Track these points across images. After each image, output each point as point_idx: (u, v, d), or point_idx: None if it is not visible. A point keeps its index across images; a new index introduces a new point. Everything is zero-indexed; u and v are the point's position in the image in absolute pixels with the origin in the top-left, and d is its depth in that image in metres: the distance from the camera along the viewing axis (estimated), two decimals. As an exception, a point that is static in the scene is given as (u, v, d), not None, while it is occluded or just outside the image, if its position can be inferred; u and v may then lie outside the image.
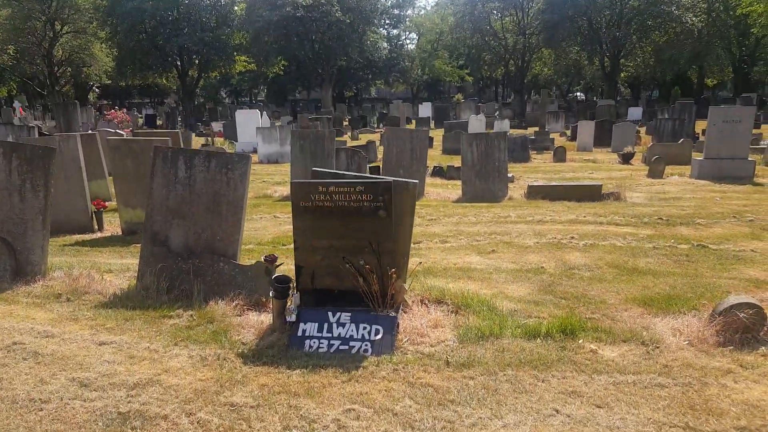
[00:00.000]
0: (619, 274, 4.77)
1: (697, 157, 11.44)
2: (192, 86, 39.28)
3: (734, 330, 3.37)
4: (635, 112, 31.15)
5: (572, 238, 6.08)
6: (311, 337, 3.43)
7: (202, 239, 4.53)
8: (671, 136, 16.22)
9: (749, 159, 10.72)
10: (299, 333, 3.46)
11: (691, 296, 4.19)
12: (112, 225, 7.52)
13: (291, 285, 3.66)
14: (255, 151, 16.78)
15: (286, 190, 10.09)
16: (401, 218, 3.86)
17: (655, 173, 11.01)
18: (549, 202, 8.35)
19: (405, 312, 3.81)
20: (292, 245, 6.38)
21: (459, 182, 10.75)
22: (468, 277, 4.82)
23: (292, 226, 3.73)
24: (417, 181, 3.89)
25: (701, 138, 17.48)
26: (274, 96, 52.19)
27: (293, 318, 3.57)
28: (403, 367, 3.09)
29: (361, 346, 3.35)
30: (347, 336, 3.42)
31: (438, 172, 11.64)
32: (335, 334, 3.44)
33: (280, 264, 3.69)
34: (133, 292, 4.37)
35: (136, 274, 4.76)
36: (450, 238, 6.30)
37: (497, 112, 38.24)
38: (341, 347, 3.36)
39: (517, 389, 2.83)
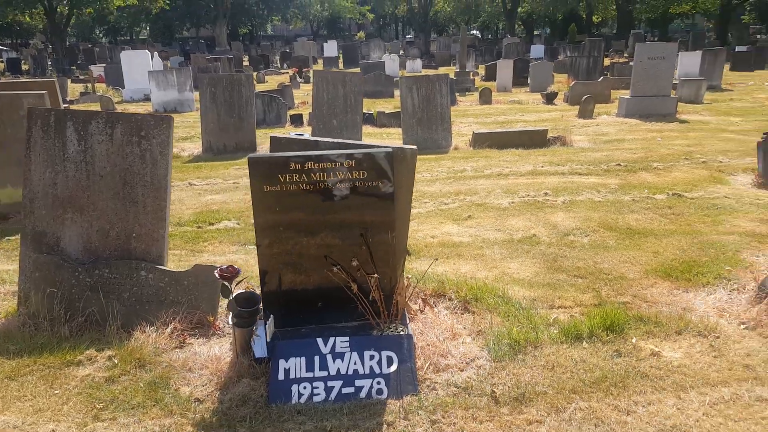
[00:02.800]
0: (620, 238, 4.23)
1: (622, 94, 11.42)
2: (62, 24, 33.59)
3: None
4: (537, 50, 31.37)
5: (546, 194, 5.49)
6: (299, 380, 2.46)
7: (111, 238, 3.27)
8: (585, 74, 16.30)
9: (671, 96, 10.86)
10: (280, 376, 2.48)
11: (707, 260, 3.75)
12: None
13: (260, 307, 2.63)
14: (147, 98, 14.51)
15: (195, 147, 8.55)
16: (398, 198, 2.92)
17: (585, 113, 10.82)
18: (497, 151, 7.74)
19: (410, 320, 2.95)
20: (221, 224, 5.23)
21: (393, 130, 9.83)
22: (457, 255, 4.04)
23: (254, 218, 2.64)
24: (415, 147, 2.94)
25: (608, 75, 17.85)
26: (159, 34, 46.65)
27: (264, 352, 2.56)
28: (444, 416, 2.25)
29: (372, 386, 2.45)
30: (350, 372, 2.50)
31: (368, 119, 10.55)
32: (332, 371, 2.50)
33: (243, 279, 2.62)
34: (14, 325, 3.07)
35: (13, 291, 3.42)
36: (413, 202, 5.42)
37: (402, 51, 36.87)
38: (344, 390, 2.44)
39: (609, 435, 2.13)
